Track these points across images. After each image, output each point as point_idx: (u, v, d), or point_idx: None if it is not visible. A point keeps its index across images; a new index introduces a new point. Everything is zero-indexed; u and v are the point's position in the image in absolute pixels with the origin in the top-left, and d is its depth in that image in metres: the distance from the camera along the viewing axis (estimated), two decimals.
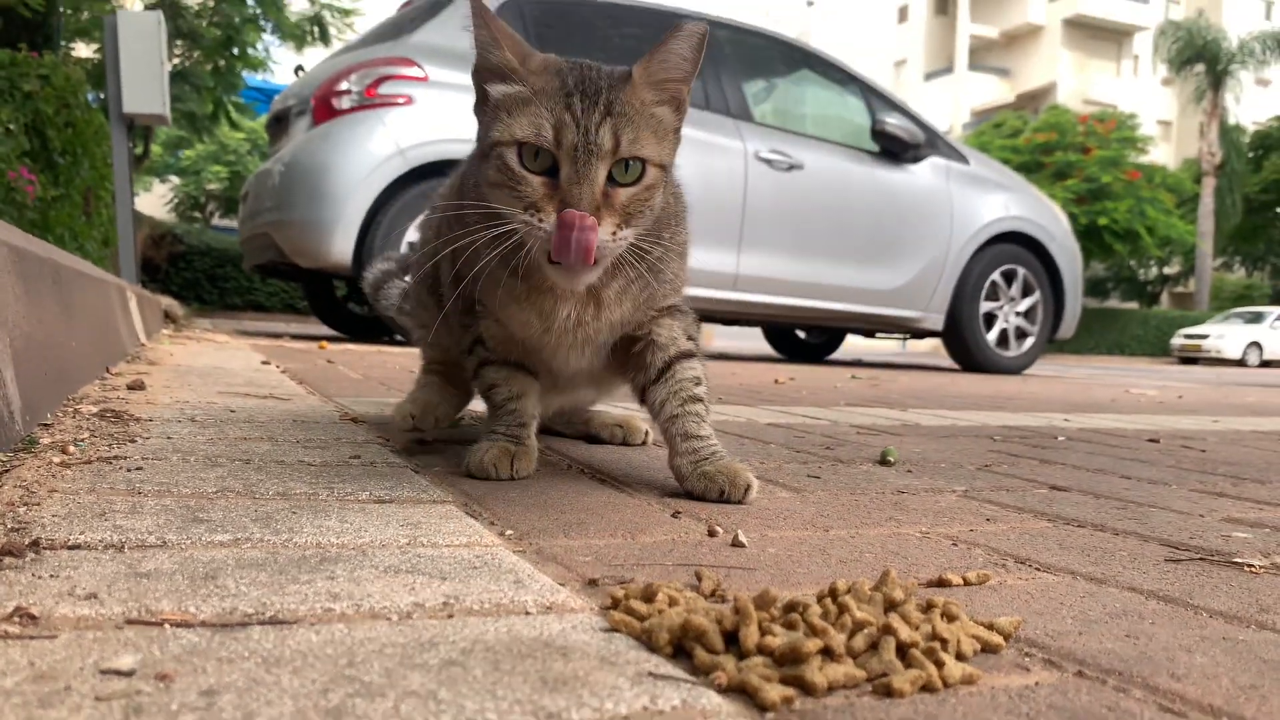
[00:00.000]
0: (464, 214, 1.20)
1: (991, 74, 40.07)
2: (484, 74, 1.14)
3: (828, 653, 0.62)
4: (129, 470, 1.12)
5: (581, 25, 5.46)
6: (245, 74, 13.42)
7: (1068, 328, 6.67)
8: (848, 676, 0.60)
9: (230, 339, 4.91)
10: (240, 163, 23.54)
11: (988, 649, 0.68)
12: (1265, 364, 21.39)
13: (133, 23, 5.74)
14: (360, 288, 4.47)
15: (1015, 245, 6.43)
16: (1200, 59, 27.10)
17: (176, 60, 12.56)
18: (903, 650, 0.63)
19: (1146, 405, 3.91)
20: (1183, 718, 0.58)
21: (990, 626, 0.70)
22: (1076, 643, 0.71)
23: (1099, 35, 38.66)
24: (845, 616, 0.66)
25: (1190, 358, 22.17)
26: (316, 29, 13.54)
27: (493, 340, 1.35)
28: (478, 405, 1.66)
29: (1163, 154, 34.39)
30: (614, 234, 1.07)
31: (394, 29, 5.28)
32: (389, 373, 3.10)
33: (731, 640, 0.64)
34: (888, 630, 0.64)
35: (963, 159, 6.44)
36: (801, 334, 8.05)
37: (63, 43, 9.67)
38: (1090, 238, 22.78)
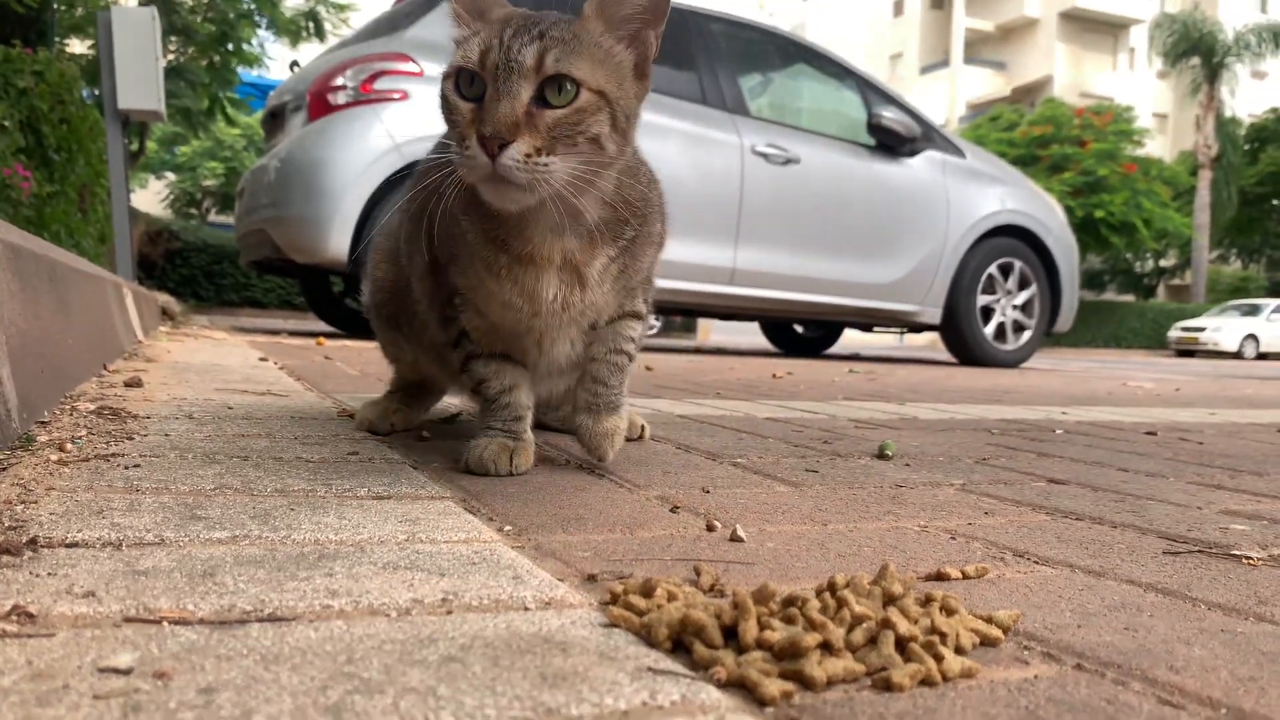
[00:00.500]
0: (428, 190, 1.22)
1: (987, 67, 40.04)
2: (455, 23, 1.16)
3: (827, 647, 0.62)
4: (127, 468, 1.12)
5: None
6: (240, 70, 13.38)
7: (1065, 321, 6.68)
8: (847, 671, 0.60)
9: (227, 335, 4.90)
10: (236, 159, 23.50)
11: (986, 642, 0.68)
12: (1262, 356, 21.44)
13: (127, 19, 5.72)
14: (358, 283, 4.48)
15: (1012, 238, 6.43)
16: (1196, 52, 27.09)
17: (171, 56, 12.52)
18: (902, 644, 0.63)
19: (1144, 398, 3.91)
20: (1182, 710, 0.58)
21: (989, 620, 0.71)
22: (1075, 636, 0.71)
23: (1094, 28, 38.64)
24: (844, 611, 0.66)
25: (1187, 350, 22.22)
26: (311, 24, 13.51)
27: (476, 332, 1.33)
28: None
29: (1159, 147, 34.41)
30: (528, 157, 1.02)
31: (389, 24, 5.27)
32: (386, 369, 3.10)
33: (730, 635, 0.64)
34: (887, 624, 0.64)
35: (959, 152, 6.44)
36: (799, 328, 8.06)
37: (57, 39, 9.64)
38: (1087, 230, 22.79)
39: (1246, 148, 28.71)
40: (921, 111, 6.51)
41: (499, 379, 1.33)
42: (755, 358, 6.36)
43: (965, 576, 0.88)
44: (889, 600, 0.71)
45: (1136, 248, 26.67)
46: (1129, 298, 32.14)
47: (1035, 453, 1.85)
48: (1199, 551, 1.03)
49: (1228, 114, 28.17)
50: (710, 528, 1.02)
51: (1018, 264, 6.44)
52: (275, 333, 5.89)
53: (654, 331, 16.08)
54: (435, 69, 4.81)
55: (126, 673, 0.53)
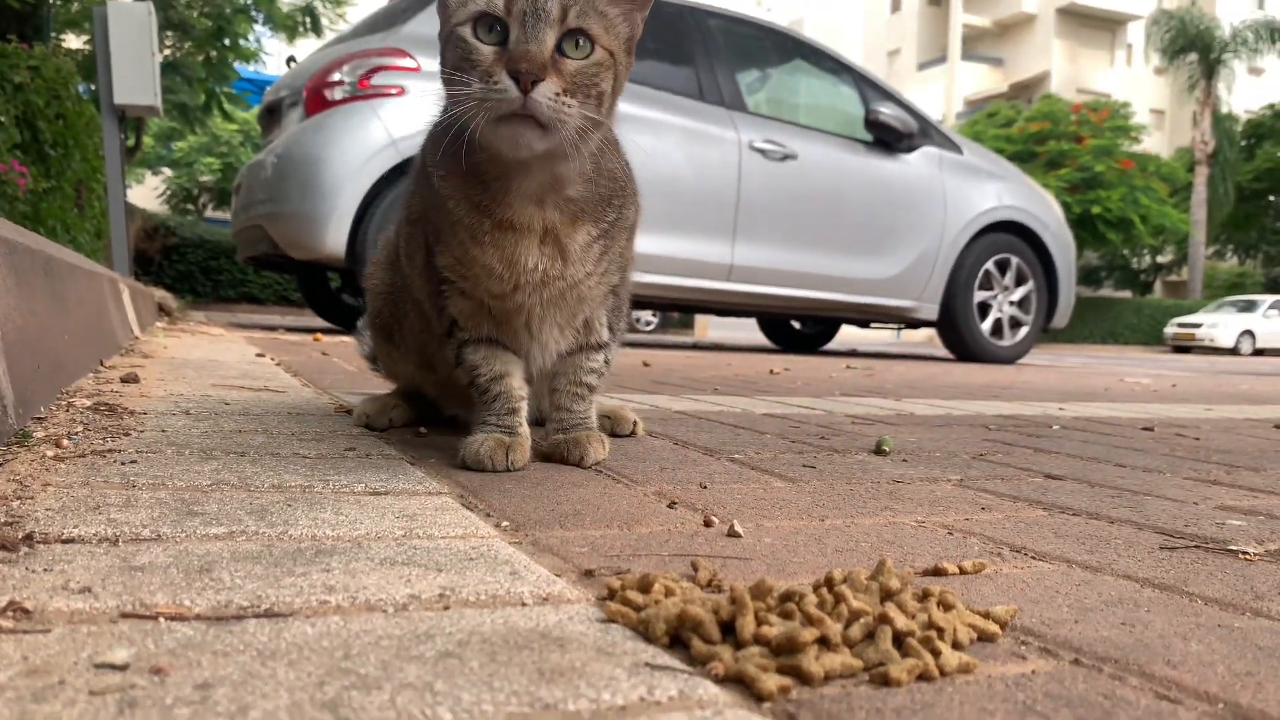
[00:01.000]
0: (426, 170, 1.29)
1: (985, 63, 40.03)
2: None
3: (824, 642, 0.62)
4: (123, 463, 1.12)
5: None
6: (237, 65, 13.35)
7: (1062, 317, 6.69)
8: (844, 666, 0.60)
9: (224, 331, 4.89)
10: (233, 154, 23.45)
11: (984, 638, 0.68)
12: (1258, 352, 21.47)
13: (123, 14, 5.70)
14: (355, 279, 4.45)
15: (1009, 234, 6.43)
16: (1193, 48, 27.10)
17: (167, 51, 12.49)
18: (899, 639, 0.63)
19: (1140, 394, 3.92)
20: (1179, 705, 0.58)
21: (986, 615, 0.71)
22: (1072, 631, 0.72)
23: (1092, 24, 38.63)
24: (842, 606, 0.67)
25: (1184, 346, 22.26)
26: (308, 20, 13.48)
27: (463, 316, 1.34)
28: None
29: (1156, 143, 34.42)
30: (558, 96, 1.08)
31: (386, 19, 5.25)
32: None
33: (728, 630, 0.64)
34: (884, 619, 0.64)
35: (956, 148, 6.44)
36: (796, 325, 8.06)
37: (53, 34, 9.62)
38: (1084, 227, 22.81)
39: (1243, 144, 28.74)
40: (919, 107, 6.51)
41: (489, 365, 1.34)
42: (753, 354, 6.36)
43: (962, 572, 0.88)
44: (886, 595, 0.71)
45: (1133, 244, 26.67)
46: (1126, 294, 32.18)
47: (1032, 448, 1.85)
48: (1196, 547, 1.03)
49: (1224, 110, 28.19)
50: (708, 523, 1.02)
51: (1015, 260, 6.44)
52: (272, 329, 5.89)
53: (651, 328, 16.11)
54: (433, 64, 4.80)
55: (123, 668, 0.53)
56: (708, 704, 0.54)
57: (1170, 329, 23.22)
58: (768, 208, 5.66)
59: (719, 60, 5.74)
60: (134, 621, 0.61)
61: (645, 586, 0.72)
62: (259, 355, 3.19)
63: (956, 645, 0.65)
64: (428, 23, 4.93)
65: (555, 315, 1.34)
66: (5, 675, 0.51)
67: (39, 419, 1.37)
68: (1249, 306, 22.99)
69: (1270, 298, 23.22)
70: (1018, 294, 6.49)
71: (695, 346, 7.70)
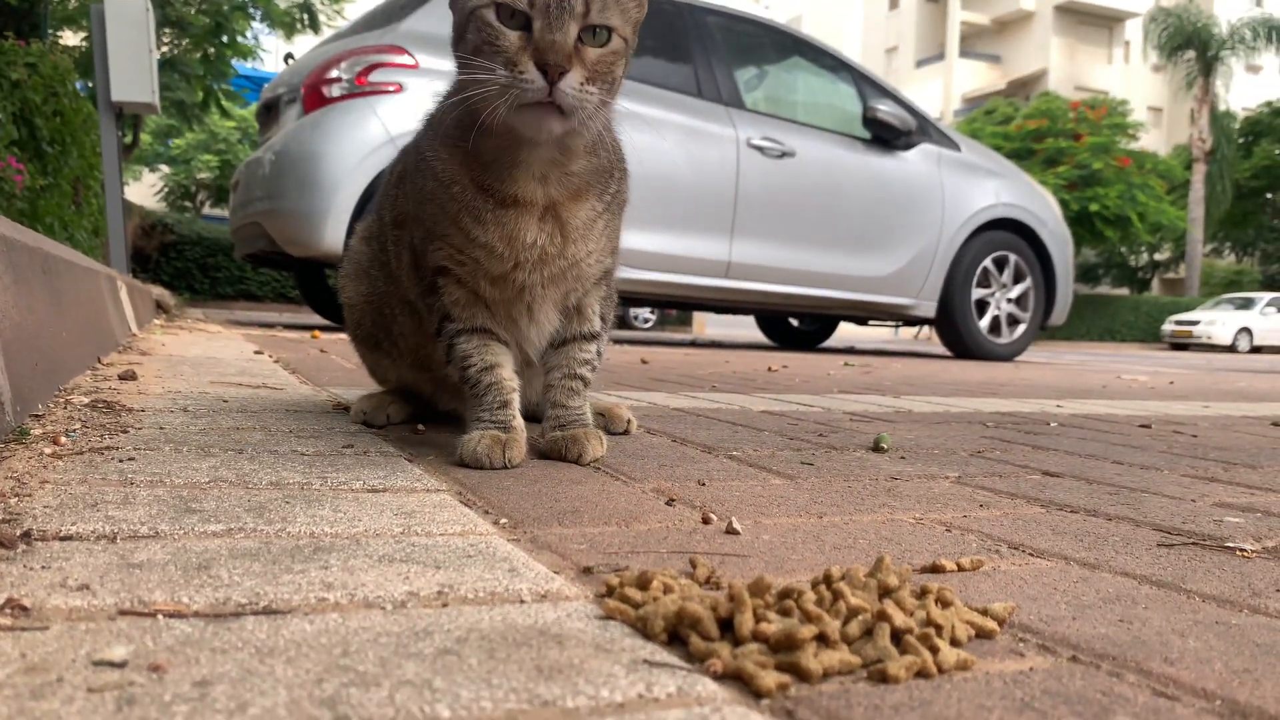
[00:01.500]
0: (424, 159, 1.31)
1: (983, 61, 40.03)
2: None
3: (823, 639, 0.62)
4: (121, 461, 1.12)
5: None
6: (235, 62, 13.33)
7: (1059, 314, 6.69)
8: (843, 663, 0.60)
9: (222, 329, 4.89)
10: (230, 151, 23.42)
11: (982, 635, 0.68)
12: (1255, 350, 21.50)
13: (120, 10, 5.69)
14: None
15: (1007, 232, 6.44)
16: (1191, 45, 27.11)
17: (165, 48, 12.47)
18: (897, 636, 0.63)
19: (1138, 391, 3.92)
20: (1176, 702, 0.58)
21: (984, 612, 0.71)
22: (1070, 628, 0.72)
23: (1090, 21, 38.64)
24: (840, 603, 0.67)
25: (1181, 344, 22.28)
26: (306, 16, 13.46)
27: (456, 306, 1.35)
28: None
29: (1153, 140, 34.44)
30: (581, 85, 1.12)
31: (384, 16, 5.25)
32: None
33: (726, 627, 0.64)
34: (882, 616, 0.64)
35: (954, 146, 6.44)
36: (794, 322, 8.06)
37: (50, 31, 9.59)
38: (1081, 224, 22.84)
39: (1241, 141, 28.77)
40: (917, 105, 6.51)
41: (480, 356, 1.34)
42: (750, 351, 6.36)
43: (960, 569, 0.88)
44: (884, 593, 0.71)
45: (1131, 241, 26.70)
46: (1123, 291, 32.22)
47: (1030, 445, 1.85)
48: (1193, 544, 1.04)
49: (1222, 108, 28.21)
50: (706, 520, 1.02)
51: (1012, 257, 6.44)
52: (270, 326, 5.88)
53: (649, 325, 16.10)
54: (431, 61, 4.80)
55: (121, 666, 0.53)
56: (706, 701, 0.54)
57: (1168, 326, 23.24)
58: (766, 205, 5.66)
59: (717, 57, 5.74)
60: (132, 619, 0.61)
61: (644, 583, 0.72)
62: (257, 352, 3.19)
63: (955, 642, 0.65)
64: (425, 20, 4.93)
65: (553, 294, 1.35)
66: (4, 673, 0.51)
67: (37, 416, 1.37)
68: (1246, 304, 23.01)
69: (1267, 295, 23.25)
70: (1015, 291, 6.49)
71: (693, 344, 7.70)
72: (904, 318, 6.49)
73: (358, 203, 4.65)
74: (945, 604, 0.70)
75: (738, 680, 0.58)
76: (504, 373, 1.35)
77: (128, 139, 11.79)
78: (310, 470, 1.15)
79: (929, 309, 6.26)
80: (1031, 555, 0.95)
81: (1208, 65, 27.15)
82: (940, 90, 38.80)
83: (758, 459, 1.49)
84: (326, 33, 12.58)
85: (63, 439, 1.20)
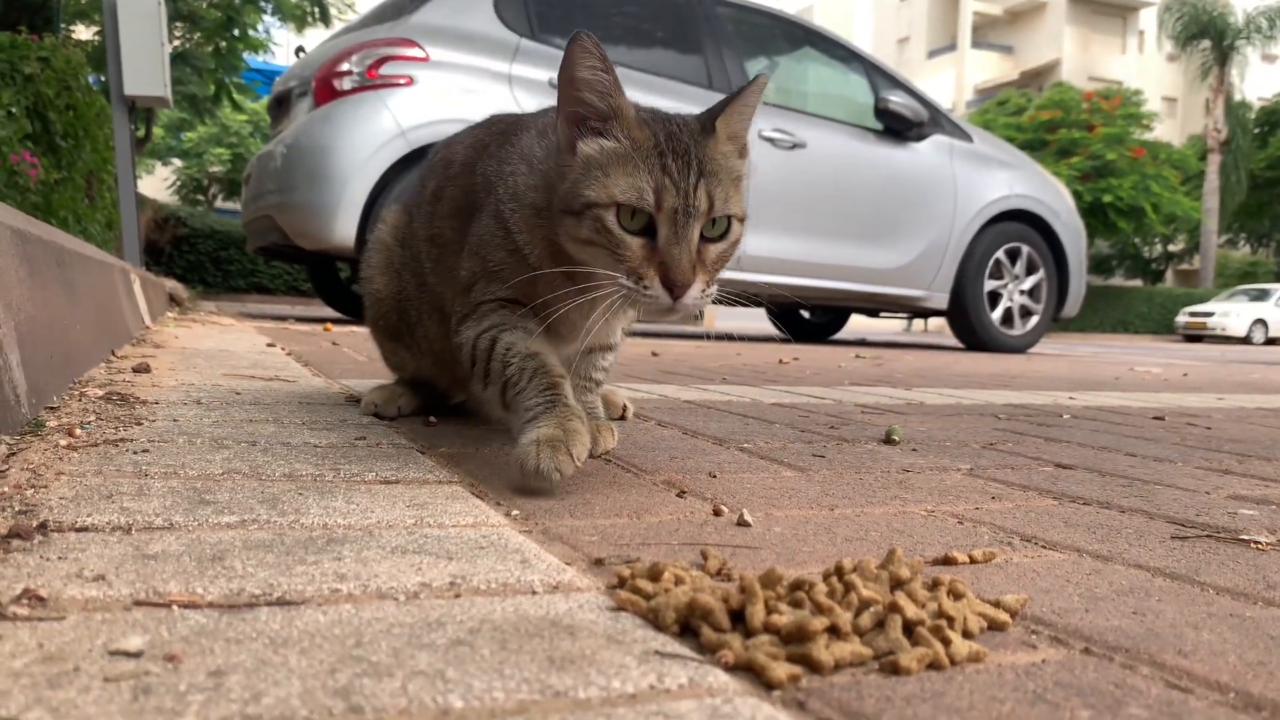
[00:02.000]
0: (502, 218, 1.23)
1: (995, 51, 39.77)
2: (580, 110, 1.11)
3: (834, 631, 0.62)
4: (135, 453, 1.13)
5: (582, 3, 5.43)
6: (246, 55, 13.36)
7: (1072, 306, 6.66)
8: (854, 654, 0.60)
9: (235, 321, 4.91)
10: (242, 145, 23.49)
11: (994, 627, 0.68)
12: (1270, 341, 21.35)
13: (132, 4, 5.71)
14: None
15: (1019, 223, 6.40)
16: (1206, 35, 26.86)
17: (177, 42, 12.50)
18: (909, 628, 0.63)
19: (1151, 383, 3.90)
20: (1190, 694, 0.58)
21: (996, 604, 0.70)
22: (1083, 620, 0.71)
23: (1103, 11, 38.33)
24: (851, 595, 0.67)
25: (1195, 335, 22.13)
26: (317, 10, 13.47)
27: (503, 317, 1.26)
28: None
29: (1168, 130, 34.17)
30: (703, 292, 1.09)
31: (394, 9, 5.25)
32: None
33: (738, 619, 0.64)
34: (894, 608, 0.64)
35: (966, 137, 6.41)
36: (806, 314, 8.04)
37: (63, 25, 9.63)
38: (1094, 215, 22.67)
39: (1256, 132, 28.49)
40: (929, 96, 6.47)
41: (524, 344, 1.21)
42: (762, 343, 6.35)
43: (972, 561, 0.88)
44: (896, 584, 0.71)
45: (1144, 232, 26.54)
46: (1137, 283, 32.01)
47: (1042, 438, 1.85)
48: (1207, 536, 1.03)
49: (1237, 98, 27.95)
50: (717, 512, 1.02)
51: (1025, 249, 6.41)
52: (282, 319, 5.90)
53: None
54: (441, 54, 4.80)
55: (137, 655, 0.54)
56: (717, 692, 0.54)
57: (1182, 318, 23.08)
58: (777, 197, 5.64)
59: (728, 48, 5.72)
60: (147, 609, 0.62)
61: (655, 575, 0.72)
62: (269, 345, 3.20)
63: (967, 634, 0.65)
64: (436, 12, 4.94)
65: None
66: (21, 662, 0.52)
67: (52, 408, 1.38)
68: (1261, 295, 22.84)
69: None
70: (1028, 283, 6.46)
71: (704, 336, 7.70)
72: (916, 310, 6.47)
73: (369, 196, 4.65)
74: (957, 596, 0.70)
75: (749, 672, 0.58)
76: (549, 359, 1.21)
77: (140, 132, 11.83)
78: (323, 462, 1.15)
79: (941, 301, 6.24)
80: (1044, 547, 0.95)
81: (1223, 54, 26.90)
82: (952, 81, 38.57)
83: (769, 451, 1.49)
84: (337, 26, 12.59)
85: (78, 431, 1.21)
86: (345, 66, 4.81)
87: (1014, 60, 39.57)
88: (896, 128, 6.03)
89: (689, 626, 0.64)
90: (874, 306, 6.49)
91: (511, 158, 1.27)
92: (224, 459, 1.13)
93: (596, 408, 1.44)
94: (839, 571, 0.72)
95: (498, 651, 0.58)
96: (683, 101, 5.26)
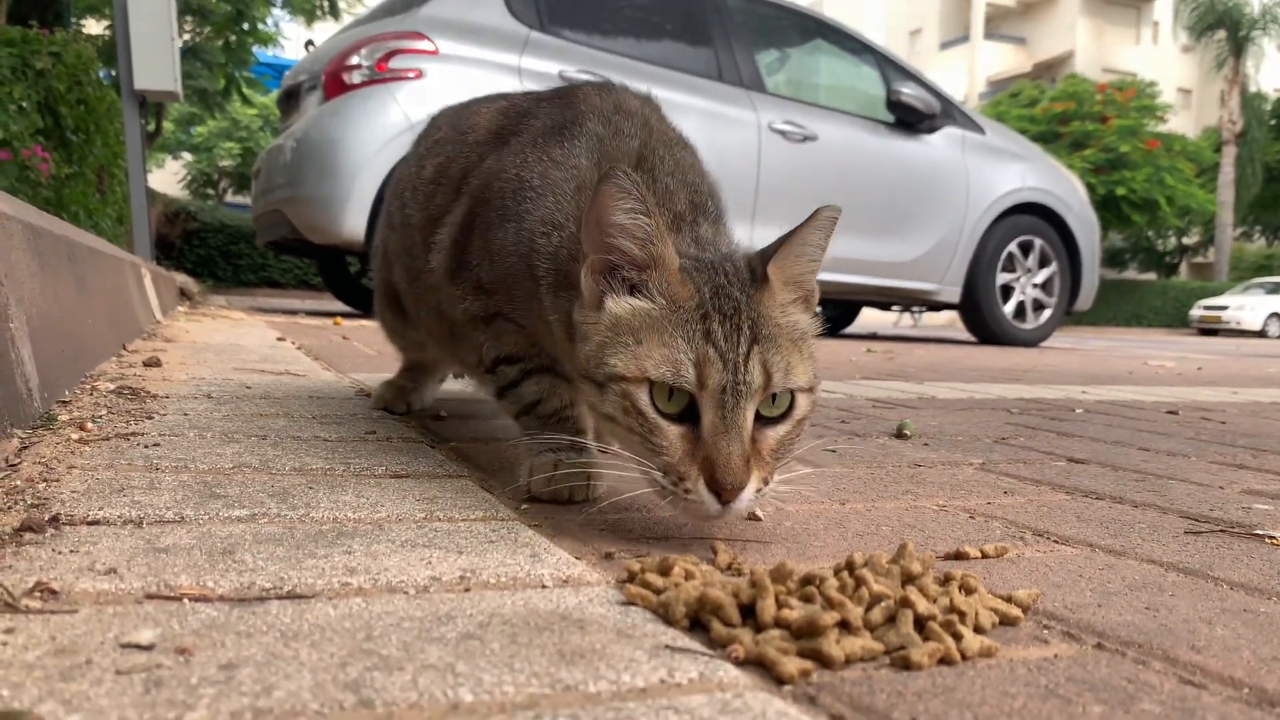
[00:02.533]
0: (536, 276, 1.04)
1: (1008, 43, 39.52)
2: (613, 260, 0.90)
3: (845, 626, 0.62)
4: (146, 447, 1.13)
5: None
6: (256, 49, 13.40)
7: (1085, 299, 6.62)
8: (865, 649, 0.60)
9: (245, 316, 4.93)
10: (252, 139, 23.54)
11: (1006, 622, 0.68)
12: None
13: None
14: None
15: (1032, 216, 6.37)
16: (1221, 25, 26.63)
17: (187, 36, 12.55)
18: (920, 623, 0.63)
19: (1165, 377, 3.88)
20: (1203, 690, 0.57)
21: (1008, 599, 0.70)
22: (1095, 615, 0.71)
23: (1117, 2, 38.03)
24: (863, 589, 0.66)
25: (1210, 329, 21.98)
26: (327, 3, 13.49)
27: (518, 348, 1.14)
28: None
29: (1182, 122, 33.90)
30: (758, 491, 0.86)
31: (404, 3, 5.24)
32: None
33: (748, 613, 0.64)
34: (905, 603, 0.64)
35: (979, 129, 6.37)
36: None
37: (73, 20, 9.67)
38: (1108, 208, 22.54)
39: (1272, 123, 28.24)
40: (941, 88, 6.44)
41: (557, 396, 1.12)
42: None
43: (984, 556, 0.87)
44: (907, 579, 0.71)
45: (1158, 225, 26.34)
46: (1150, 276, 31.82)
47: (1055, 432, 1.84)
48: (1221, 531, 1.02)
49: (1253, 89, 27.71)
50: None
51: (1038, 242, 6.38)
52: (293, 313, 5.92)
53: None
54: (450, 47, 4.79)
55: (148, 649, 0.54)
56: (728, 686, 0.54)
57: (1196, 311, 22.93)
58: (788, 190, 5.62)
59: (738, 41, 5.69)
60: (159, 602, 0.62)
61: (665, 569, 0.72)
62: (280, 339, 3.21)
63: (978, 629, 0.65)
64: (445, 6, 4.93)
65: None
66: (34, 654, 0.52)
67: (63, 402, 1.38)
68: (1277, 289, 22.65)
69: None
70: (1041, 276, 6.43)
71: None
72: (928, 303, 6.44)
73: (378, 189, 4.66)
74: (969, 591, 0.69)
75: (759, 666, 0.57)
76: (577, 410, 1.13)
77: (150, 127, 11.89)
78: (333, 456, 1.15)
79: (953, 294, 6.21)
80: (1056, 542, 0.95)
81: (1238, 45, 26.66)
82: (965, 73, 38.35)
83: None
84: (347, 19, 12.60)
85: (89, 425, 1.22)
86: (354, 60, 4.81)
87: (1027, 52, 39.32)
88: (908, 120, 6.00)
89: (699, 621, 0.64)
90: (886, 300, 6.47)
91: (545, 200, 1.06)
92: (234, 453, 1.13)
93: None
94: (850, 566, 0.72)
95: (508, 645, 0.58)
96: (692, 95, 5.26)
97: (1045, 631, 0.67)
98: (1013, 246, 6.30)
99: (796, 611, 0.62)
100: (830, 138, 5.77)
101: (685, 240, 0.99)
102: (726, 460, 0.83)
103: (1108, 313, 24.80)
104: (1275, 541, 0.98)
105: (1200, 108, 37.39)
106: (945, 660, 0.59)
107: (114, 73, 6.80)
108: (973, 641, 0.61)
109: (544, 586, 0.71)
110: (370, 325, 4.48)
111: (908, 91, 5.93)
